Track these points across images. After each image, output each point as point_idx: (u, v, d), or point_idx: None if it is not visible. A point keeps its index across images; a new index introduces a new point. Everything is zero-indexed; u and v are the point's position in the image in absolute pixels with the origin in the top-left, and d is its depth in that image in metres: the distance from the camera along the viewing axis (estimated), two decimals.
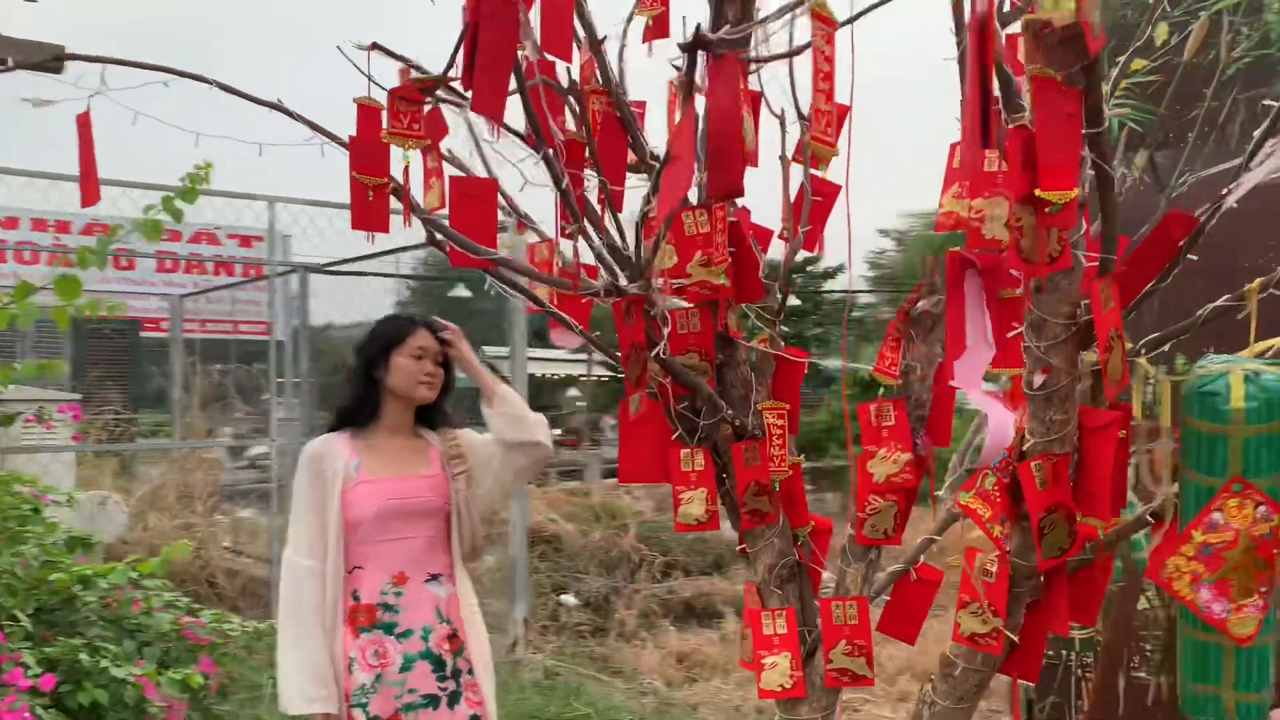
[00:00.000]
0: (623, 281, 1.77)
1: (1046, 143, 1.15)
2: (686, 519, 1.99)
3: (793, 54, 1.26)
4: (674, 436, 1.95)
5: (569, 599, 8.99)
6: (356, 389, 2.79)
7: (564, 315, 1.97)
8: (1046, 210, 1.21)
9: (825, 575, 2.15)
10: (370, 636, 2.64)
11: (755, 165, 1.36)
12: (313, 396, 6.14)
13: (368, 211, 1.92)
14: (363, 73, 1.96)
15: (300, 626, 2.63)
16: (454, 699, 2.70)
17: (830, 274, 38.67)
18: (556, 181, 1.57)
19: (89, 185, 1.84)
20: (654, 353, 1.80)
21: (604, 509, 12.15)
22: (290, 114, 1.98)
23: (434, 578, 2.74)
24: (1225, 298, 1.44)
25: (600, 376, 20.85)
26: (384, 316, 2.98)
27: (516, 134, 1.99)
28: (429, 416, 2.87)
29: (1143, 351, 1.52)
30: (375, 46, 1.94)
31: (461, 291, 13.69)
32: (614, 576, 10.63)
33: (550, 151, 1.55)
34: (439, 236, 1.99)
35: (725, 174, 1.21)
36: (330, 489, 2.69)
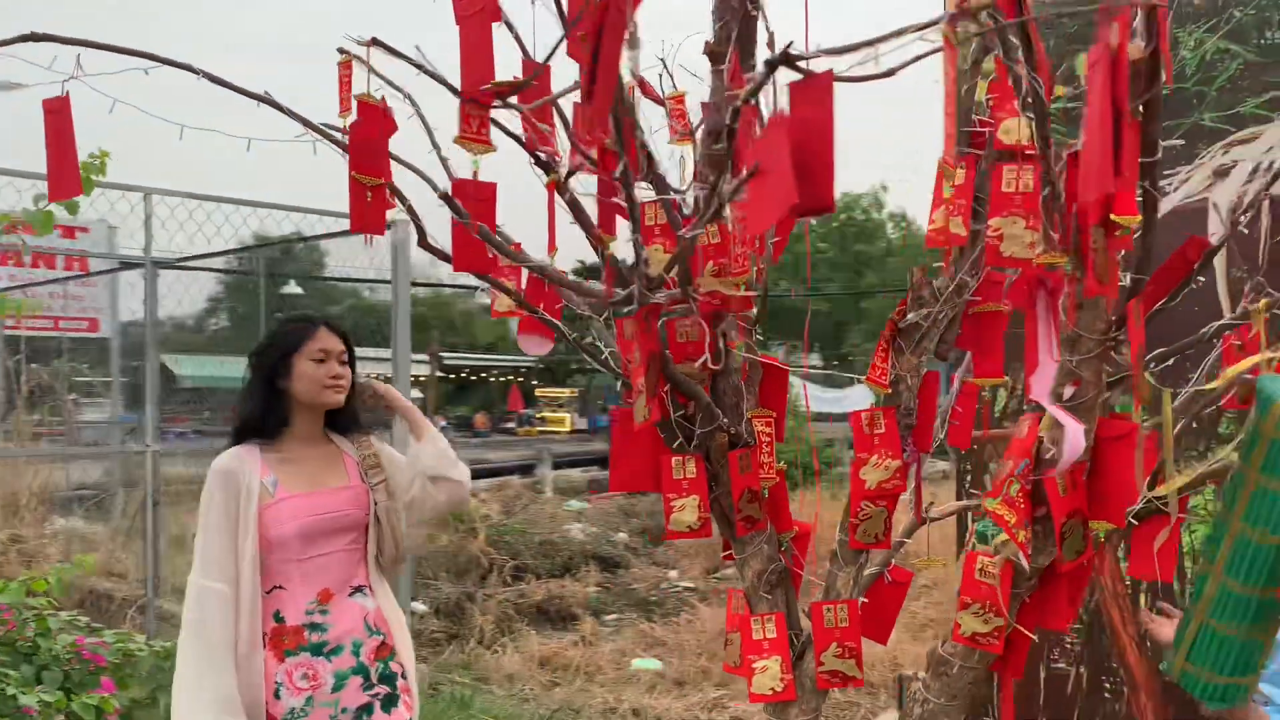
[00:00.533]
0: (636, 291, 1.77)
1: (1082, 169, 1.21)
2: (679, 526, 2.00)
3: (886, 75, 1.30)
4: (675, 445, 1.95)
5: (419, 606, 8.82)
6: (259, 399, 2.61)
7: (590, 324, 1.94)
8: (1117, 234, 1.28)
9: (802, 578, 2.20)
10: (297, 659, 2.52)
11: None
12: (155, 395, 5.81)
13: (365, 212, 1.85)
14: (364, 62, 1.90)
15: (210, 657, 2.43)
16: (390, 701, 2.64)
17: None
18: (631, 196, 1.55)
19: (61, 178, 1.71)
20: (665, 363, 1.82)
21: (451, 513, 11.96)
22: (281, 108, 1.89)
23: (357, 590, 2.66)
24: (1230, 315, 1.55)
25: (441, 376, 20.58)
26: (281, 318, 2.87)
27: (515, 138, 1.96)
28: (338, 420, 2.74)
29: (1152, 365, 1.62)
30: (375, 42, 1.88)
31: (293, 288, 13.23)
32: (464, 582, 10.49)
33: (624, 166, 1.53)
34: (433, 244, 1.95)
35: (816, 188, 1.23)
36: (245, 508, 2.52)
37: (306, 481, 2.62)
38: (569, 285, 1.77)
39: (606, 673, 7.74)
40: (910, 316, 1.97)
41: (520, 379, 40.73)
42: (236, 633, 2.47)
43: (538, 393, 39.96)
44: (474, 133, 1.57)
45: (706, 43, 1.93)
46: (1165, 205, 1.67)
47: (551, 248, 2.01)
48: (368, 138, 1.84)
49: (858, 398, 20.29)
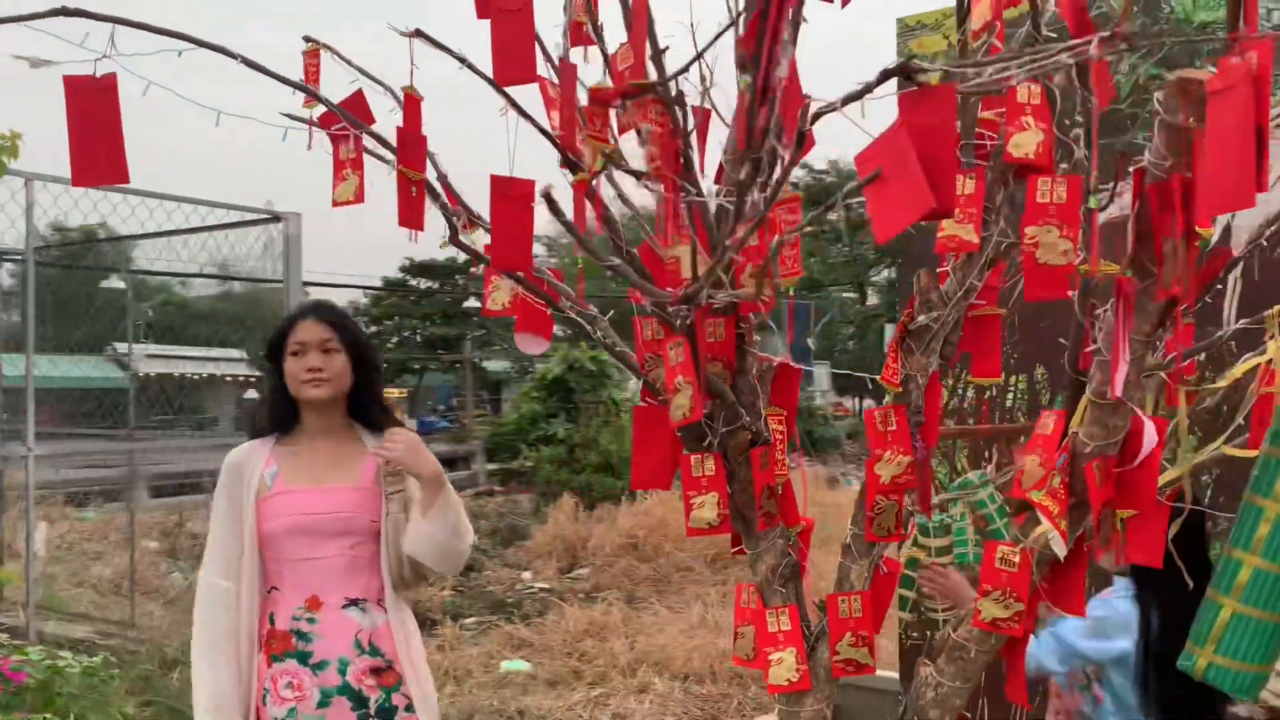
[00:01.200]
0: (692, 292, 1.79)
1: (1207, 187, 1.32)
2: (698, 523, 2.03)
3: (996, 91, 1.37)
4: (705, 443, 1.98)
5: None
6: (268, 395, 2.57)
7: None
8: (1196, 244, 1.39)
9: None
10: (283, 666, 2.42)
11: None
12: None
13: (411, 208, 1.82)
14: (329, 50, 1.87)
15: (213, 653, 2.40)
16: None
17: None
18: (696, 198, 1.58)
19: (86, 161, 1.61)
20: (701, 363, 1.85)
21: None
22: (318, 98, 1.83)
23: (354, 602, 2.48)
24: (1244, 320, 1.70)
25: (244, 377, 19.78)
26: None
27: (547, 135, 1.95)
28: (366, 414, 2.59)
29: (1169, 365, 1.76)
30: (419, 34, 1.84)
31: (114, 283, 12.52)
32: None
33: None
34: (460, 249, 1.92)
35: (941, 193, 1.30)
36: (245, 501, 2.46)
37: (309, 477, 2.50)
38: (640, 285, 1.77)
39: (476, 676, 7.67)
40: (920, 319, 2.07)
41: None
42: (240, 629, 2.41)
43: None
44: (597, 131, 1.56)
45: (738, 52, 1.98)
46: (1101, 218, 1.81)
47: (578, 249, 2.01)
48: (412, 132, 1.80)
49: None
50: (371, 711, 2.43)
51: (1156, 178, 1.46)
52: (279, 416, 2.56)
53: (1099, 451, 1.70)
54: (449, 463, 15.91)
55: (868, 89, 1.41)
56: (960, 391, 3.11)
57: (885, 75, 1.37)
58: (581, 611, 9.10)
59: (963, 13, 1.94)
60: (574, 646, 8.32)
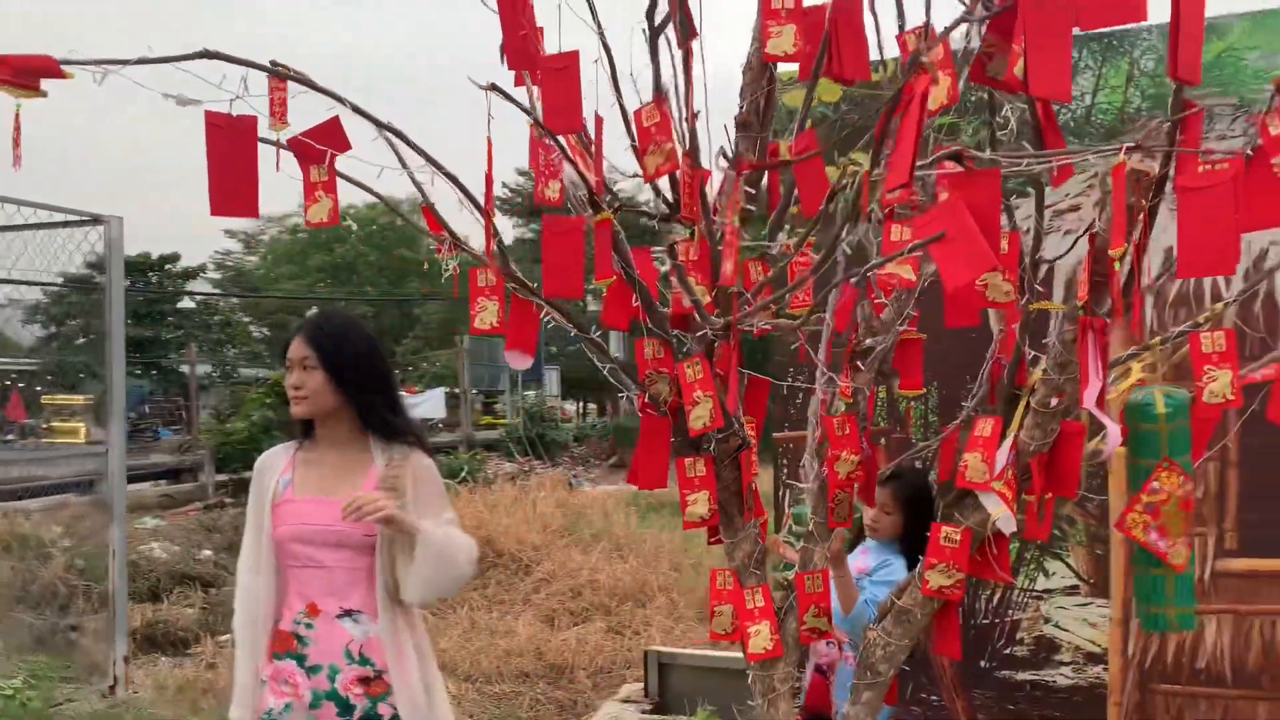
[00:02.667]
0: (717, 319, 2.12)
1: (1190, 256, 1.80)
2: (693, 517, 2.35)
3: (1037, 173, 1.79)
4: (697, 449, 2.30)
5: None
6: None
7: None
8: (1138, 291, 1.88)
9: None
10: (283, 664, 2.51)
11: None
12: None
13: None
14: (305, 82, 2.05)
15: (242, 642, 2.55)
16: None
17: (192, 274, 36.75)
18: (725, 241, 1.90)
19: (224, 193, 1.74)
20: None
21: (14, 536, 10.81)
22: (404, 139, 2.00)
23: (348, 613, 2.52)
24: (1187, 323, 2.23)
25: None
26: None
27: (585, 181, 2.20)
28: (375, 425, 2.59)
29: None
30: (494, 88, 2.05)
31: None
32: (43, 612, 9.47)
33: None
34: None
35: (970, 256, 1.70)
36: (265, 504, 2.56)
37: (318, 486, 2.56)
38: (701, 314, 2.06)
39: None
40: (868, 342, 2.49)
41: (21, 384, 36.02)
42: (259, 621, 2.53)
43: (44, 400, 35.55)
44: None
45: (739, 114, 2.32)
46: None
47: (601, 275, 2.27)
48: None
49: (433, 403, 20.65)
50: (355, 719, 2.51)
51: (1106, 242, 1.93)
52: (299, 425, 2.63)
53: (1039, 450, 2.17)
54: (174, 474, 15.05)
55: (927, 165, 1.80)
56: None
57: (941, 159, 1.76)
58: None
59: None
60: None
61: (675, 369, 2.25)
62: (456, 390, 21.67)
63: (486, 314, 2.49)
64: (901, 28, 2.27)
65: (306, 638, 2.51)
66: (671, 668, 4.87)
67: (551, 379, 23.74)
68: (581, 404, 26.86)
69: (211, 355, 34.54)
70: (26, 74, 1.52)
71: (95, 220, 4.48)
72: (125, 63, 1.61)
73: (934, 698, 3.39)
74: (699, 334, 2.17)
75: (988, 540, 2.29)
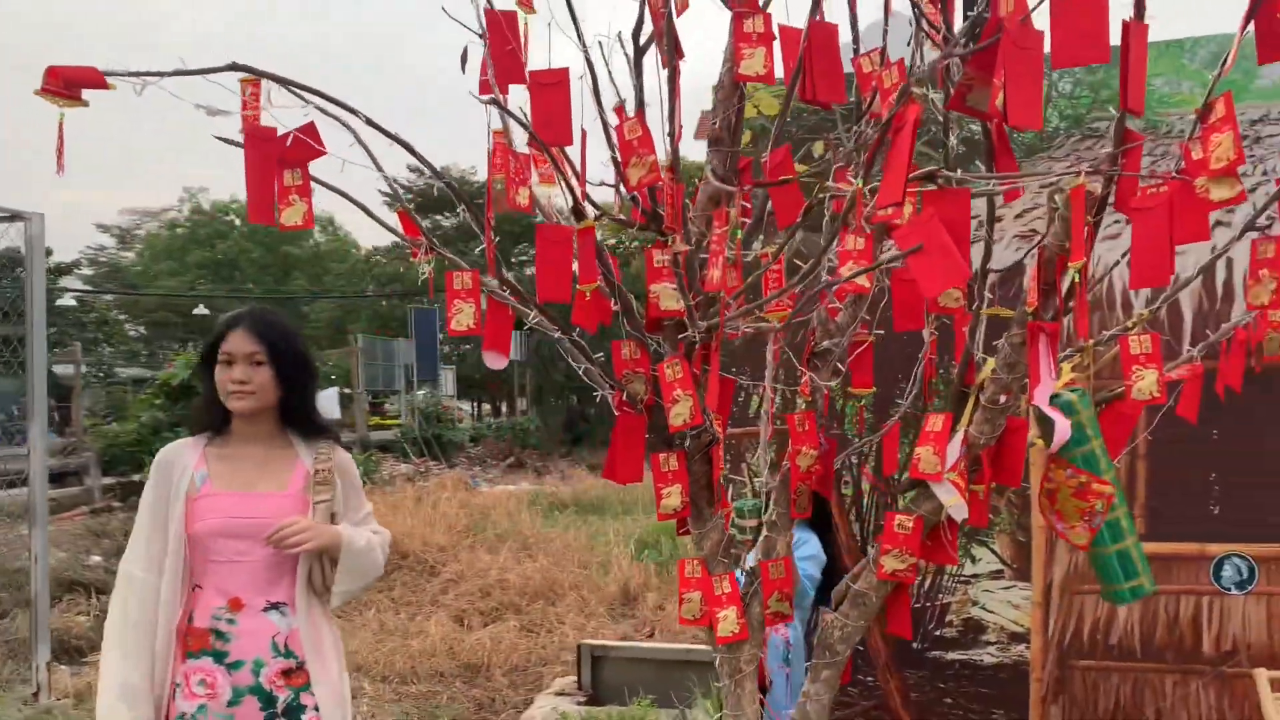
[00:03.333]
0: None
1: (1139, 267, 2.02)
2: (667, 509, 2.49)
3: (996, 192, 1.97)
4: (670, 444, 2.44)
5: None
6: (202, 395, 2.62)
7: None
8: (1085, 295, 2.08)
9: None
10: (198, 663, 2.48)
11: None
12: None
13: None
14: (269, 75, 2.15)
15: (122, 643, 2.43)
16: None
17: (65, 270, 35.26)
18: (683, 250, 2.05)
19: (259, 201, 1.82)
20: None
21: None
22: (418, 157, 2.08)
23: (274, 606, 2.55)
24: (1118, 328, 2.45)
25: None
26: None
27: (572, 190, 2.32)
28: (298, 424, 2.65)
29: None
30: (494, 103, 2.15)
31: None
32: None
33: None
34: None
35: (945, 268, 1.88)
36: (174, 499, 2.51)
37: (237, 481, 2.55)
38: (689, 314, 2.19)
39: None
40: (825, 344, 2.66)
41: None
42: (158, 622, 2.44)
43: None
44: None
45: (710, 129, 2.47)
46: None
47: (585, 279, 2.38)
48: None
49: (327, 403, 20.31)
50: (279, 711, 2.51)
51: (1056, 252, 2.14)
52: (210, 419, 2.61)
53: (988, 443, 2.37)
54: (58, 477, 14.50)
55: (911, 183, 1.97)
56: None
57: (917, 179, 1.93)
58: None
59: (860, 109, 2.55)
60: None
61: (655, 369, 2.38)
62: (348, 390, 21.41)
63: (463, 315, 2.58)
64: (856, 51, 2.46)
65: (228, 633, 2.50)
66: (604, 660, 5.01)
67: (448, 379, 23.57)
68: (476, 404, 26.75)
69: (87, 354, 33.27)
70: (72, 84, 1.57)
71: (15, 216, 4.38)
72: (163, 74, 1.67)
73: (869, 678, 3.60)
74: (681, 336, 2.30)
75: (942, 526, 2.49)
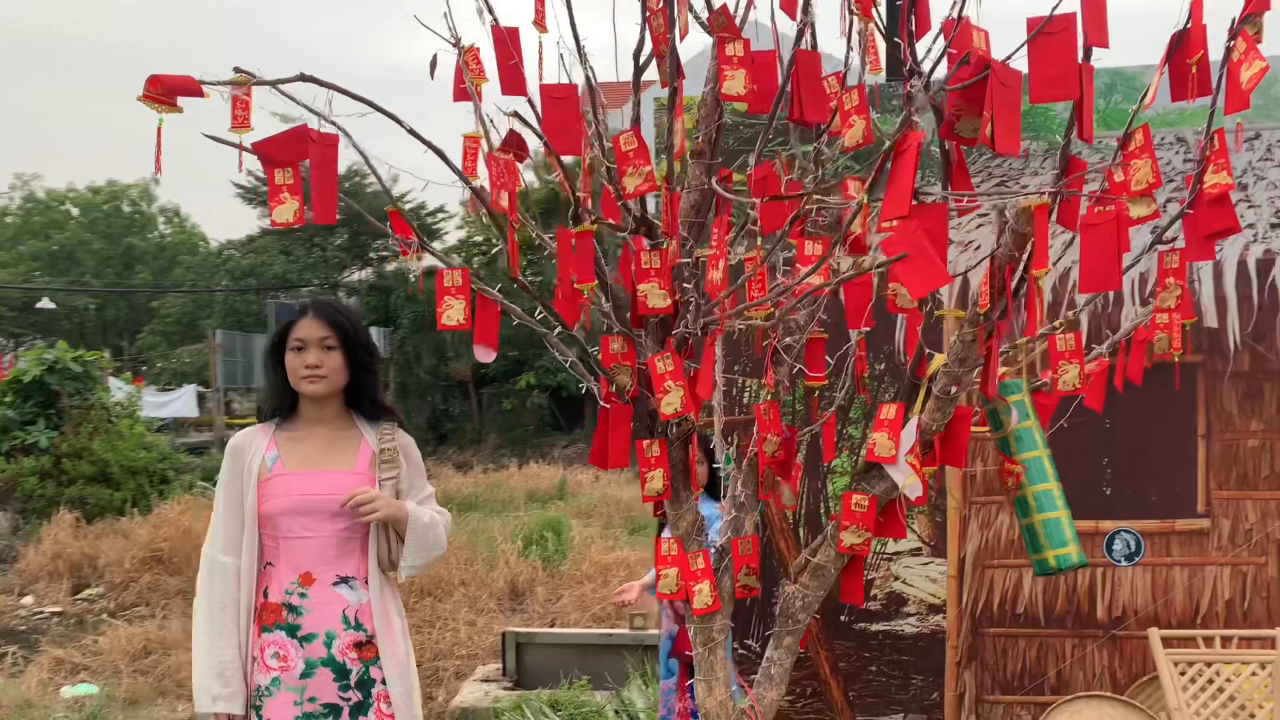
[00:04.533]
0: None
1: (1088, 276, 2.34)
2: (651, 492, 2.70)
3: (973, 209, 2.25)
4: (676, 432, 2.65)
5: None
6: (268, 383, 2.77)
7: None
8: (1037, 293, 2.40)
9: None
10: (272, 636, 2.62)
11: None
12: None
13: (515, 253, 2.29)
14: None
15: (211, 625, 2.58)
16: (359, 710, 2.66)
17: None
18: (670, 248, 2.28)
19: (322, 202, 1.96)
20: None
21: None
22: (449, 163, 2.24)
23: (344, 580, 2.68)
24: (1046, 328, 2.77)
25: None
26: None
27: (575, 196, 2.50)
28: (362, 406, 2.78)
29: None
30: (515, 115, 2.32)
31: None
32: None
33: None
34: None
35: (928, 273, 2.16)
36: (247, 482, 2.64)
37: (307, 461, 2.68)
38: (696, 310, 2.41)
39: (40, 706, 7.16)
40: (787, 340, 2.91)
41: None
42: (239, 602, 2.59)
43: None
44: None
45: (696, 142, 2.69)
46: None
47: (582, 279, 2.56)
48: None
49: (184, 402, 19.63)
50: (351, 683, 2.66)
51: (1006, 260, 2.44)
52: (280, 405, 2.74)
53: (938, 429, 2.67)
54: None
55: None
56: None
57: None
58: (135, 629, 8.73)
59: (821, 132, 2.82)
60: (140, 665, 8.04)
61: (646, 362, 2.59)
62: (205, 389, 20.75)
63: (453, 312, 2.74)
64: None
65: (300, 607, 2.65)
66: (528, 647, 5.17)
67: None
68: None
69: None
70: (171, 92, 1.68)
71: None
72: (254, 83, 1.80)
73: (800, 651, 3.89)
74: (676, 332, 2.52)
75: (897, 502, 2.77)
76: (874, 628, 3.83)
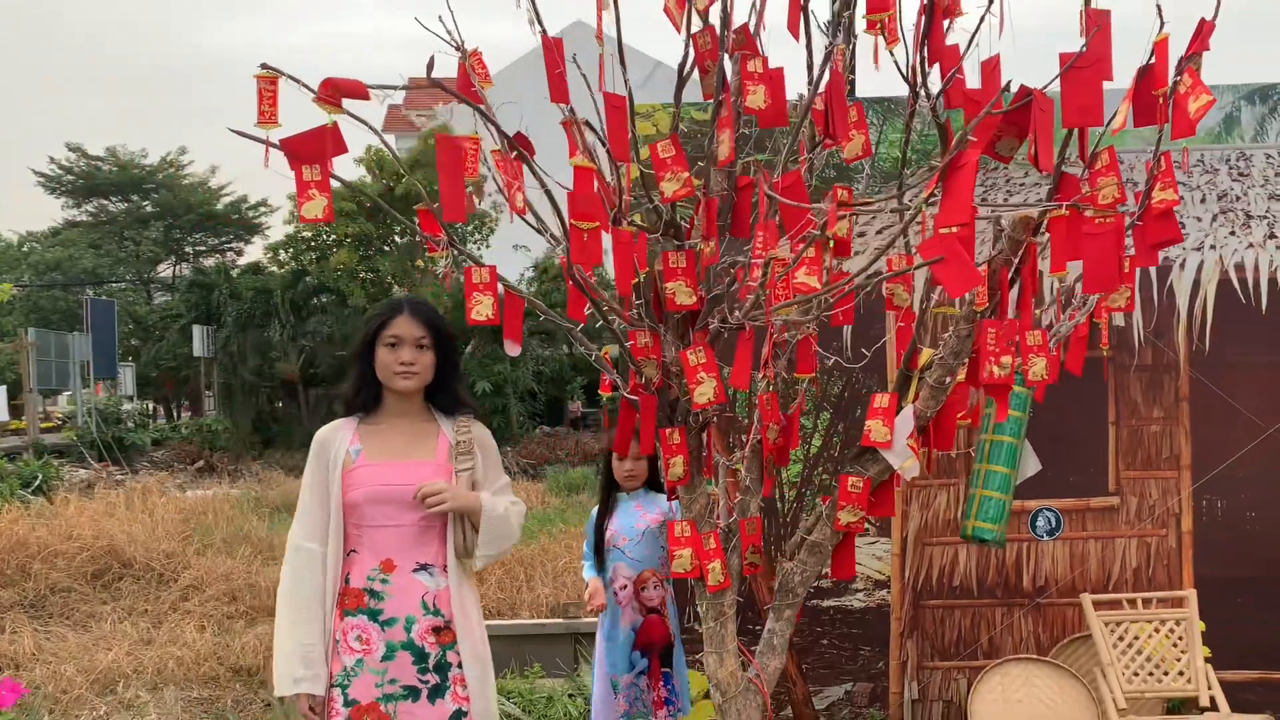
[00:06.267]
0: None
1: (1091, 279, 2.67)
2: (674, 477, 2.88)
3: (989, 218, 2.53)
4: (696, 421, 2.83)
5: None
6: (354, 378, 2.82)
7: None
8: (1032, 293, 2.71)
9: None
10: (355, 620, 2.71)
11: None
12: None
13: (583, 249, 2.42)
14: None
15: (295, 610, 2.67)
16: (436, 692, 2.74)
17: None
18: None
19: (450, 202, 2.07)
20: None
21: None
22: (529, 164, 2.35)
23: (423, 567, 2.77)
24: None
25: None
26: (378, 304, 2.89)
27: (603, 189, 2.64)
28: (438, 400, 2.87)
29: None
30: (583, 122, 2.46)
31: None
32: None
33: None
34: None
35: (964, 275, 2.43)
36: (331, 473, 2.74)
37: (389, 452, 2.77)
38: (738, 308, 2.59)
39: None
40: (784, 336, 3.14)
41: None
42: (324, 588, 2.68)
43: None
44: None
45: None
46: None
47: (625, 288, 2.71)
48: (584, 193, 2.39)
49: None
50: (430, 666, 2.75)
51: (1003, 264, 2.75)
52: (364, 396, 2.81)
53: (932, 415, 2.96)
54: None
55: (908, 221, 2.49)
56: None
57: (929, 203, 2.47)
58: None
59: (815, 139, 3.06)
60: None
61: (679, 355, 2.76)
62: (19, 390, 19.40)
63: (482, 307, 2.84)
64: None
65: (382, 592, 2.74)
66: None
67: (127, 377, 21.87)
68: (150, 405, 24.87)
69: None
70: (340, 94, 1.75)
71: None
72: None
73: (757, 627, 4.12)
74: (708, 325, 2.71)
75: (889, 481, 3.04)
76: (825, 604, 4.12)
